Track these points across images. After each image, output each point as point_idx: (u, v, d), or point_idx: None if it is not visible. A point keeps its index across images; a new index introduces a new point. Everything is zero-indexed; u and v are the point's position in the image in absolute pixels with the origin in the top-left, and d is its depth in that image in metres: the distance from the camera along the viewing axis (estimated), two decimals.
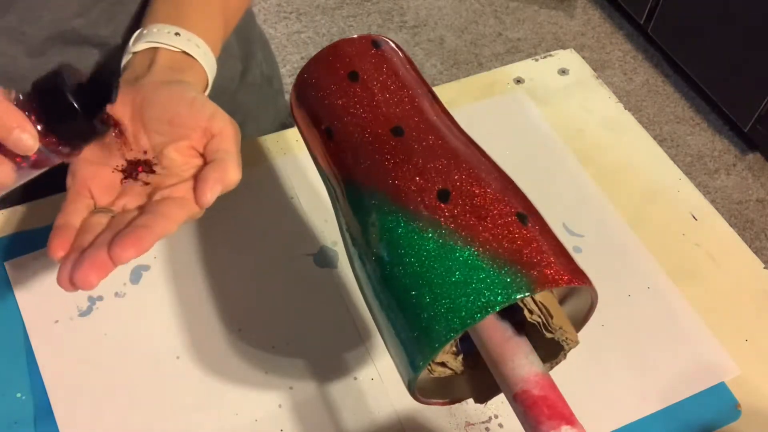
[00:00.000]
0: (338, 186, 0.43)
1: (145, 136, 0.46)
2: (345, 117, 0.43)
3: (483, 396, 0.41)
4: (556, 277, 0.35)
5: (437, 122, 0.42)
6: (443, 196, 0.37)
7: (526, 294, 0.34)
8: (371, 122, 0.42)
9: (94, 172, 0.45)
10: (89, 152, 0.45)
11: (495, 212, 0.37)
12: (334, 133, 0.43)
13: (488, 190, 0.38)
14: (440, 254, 0.36)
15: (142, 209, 0.43)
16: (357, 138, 0.42)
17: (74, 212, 0.43)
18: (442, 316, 0.34)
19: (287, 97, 0.89)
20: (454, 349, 0.40)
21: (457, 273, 0.35)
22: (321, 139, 0.45)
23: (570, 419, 0.34)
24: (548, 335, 0.37)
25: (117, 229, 0.41)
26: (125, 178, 0.46)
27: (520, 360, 0.36)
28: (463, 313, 0.34)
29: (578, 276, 0.36)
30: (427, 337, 0.35)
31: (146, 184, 0.45)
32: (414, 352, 0.36)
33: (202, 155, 0.46)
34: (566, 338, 0.37)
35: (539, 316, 0.36)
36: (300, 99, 0.46)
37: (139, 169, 0.46)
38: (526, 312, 0.36)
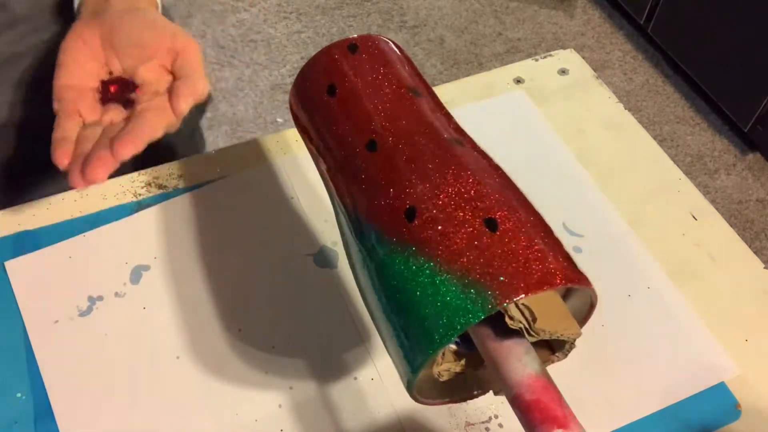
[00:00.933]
0: (333, 199, 0.43)
1: (117, 61, 0.53)
2: (327, 135, 0.43)
3: (498, 387, 0.41)
4: (522, 287, 0.34)
5: (417, 129, 0.41)
6: (410, 214, 0.37)
7: (489, 314, 0.34)
8: (348, 138, 0.42)
9: (78, 95, 0.51)
10: (71, 78, 0.51)
11: (460, 224, 0.36)
12: (321, 150, 0.43)
13: (454, 200, 0.37)
14: (409, 276, 0.36)
15: (127, 120, 0.50)
16: (338, 155, 0.42)
17: (69, 129, 0.49)
18: (418, 337, 0.35)
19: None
20: (454, 348, 0.40)
21: (424, 295, 0.35)
22: (315, 154, 0.45)
23: (563, 422, 0.34)
24: (531, 339, 0.36)
25: (111, 136, 0.48)
26: (108, 99, 0.52)
27: (513, 363, 0.36)
28: (431, 338, 0.34)
29: (558, 276, 0.35)
30: (410, 353, 0.35)
31: (126, 101, 0.52)
32: (406, 362, 0.36)
33: (171, 72, 0.52)
34: (560, 335, 0.37)
35: (520, 322, 0.36)
36: (294, 111, 0.47)
37: (113, 88, 0.52)
38: (507, 319, 0.36)
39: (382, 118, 0.42)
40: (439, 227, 0.36)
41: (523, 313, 0.36)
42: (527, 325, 0.36)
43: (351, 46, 0.45)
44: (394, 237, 0.37)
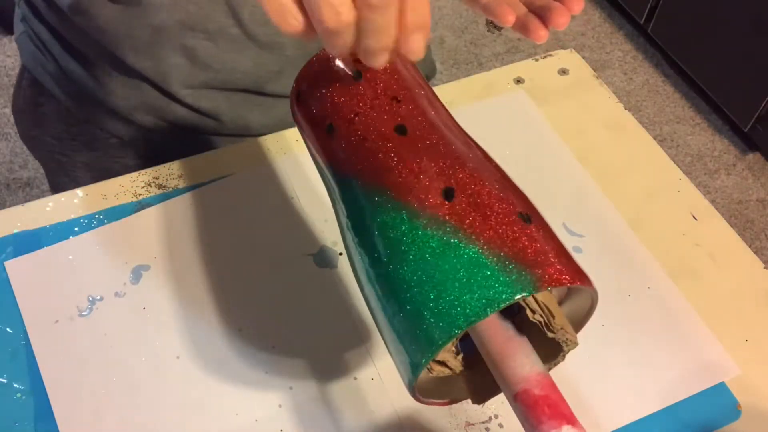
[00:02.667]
0: (340, 184, 0.43)
1: None
2: (348, 114, 0.43)
3: (481, 397, 0.41)
4: (559, 276, 0.35)
5: (439, 122, 0.42)
6: (448, 194, 0.37)
7: (531, 292, 0.34)
8: (375, 120, 0.42)
9: None
10: None
11: (499, 211, 0.37)
12: (335, 130, 0.43)
13: (492, 190, 0.38)
14: (444, 251, 0.36)
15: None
16: (360, 135, 0.42)
17: None
18: (446, 313, 0.34)
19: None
20: (454, 348, 0.40)
21: (462, 270, 0.35)
22: (322, 136, 0.44)
23: (571, 419, 0.34)
24: (550, 335, 0.37)
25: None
26: None
27: (522, 359, 0.36)
28: (468, 311, 0.34)
29: (580, 276, 0.36)
30: (429, 335, 0.35)
31: None
32: (415, 350, 0.36)
33: None
34: (566, 339, 0.37)
35: (541, 316, 0.36)
36: (301, 96, 0.46)
37: None
38: (528, 311, 0.36)
39: (410, 106, 0.42)
40: (479, 210, 0.37)
41: (542, 309, 0.36)
42: (547, 320, 0.36)
43: None
44: (428, 214, 0.37)
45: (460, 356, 0.40)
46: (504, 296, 0.34)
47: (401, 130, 0.41)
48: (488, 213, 0.37)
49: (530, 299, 0.36)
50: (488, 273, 0.34)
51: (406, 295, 0.36)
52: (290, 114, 0.49)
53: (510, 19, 0.47)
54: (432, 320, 0.35)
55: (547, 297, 0.37)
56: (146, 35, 0.63)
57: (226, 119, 0.72)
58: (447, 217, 0.37)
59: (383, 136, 0.41)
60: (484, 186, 0.38)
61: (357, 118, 0.42)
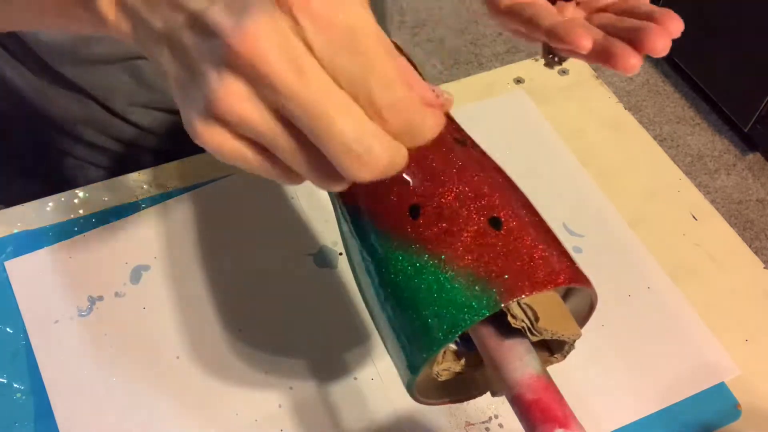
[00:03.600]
0: (334, 197, 0.43)
1: None
2: None
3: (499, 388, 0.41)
4: (531, 283, 0.34)
5: None
6: (414, 212, 0.37)
7: (494, 310, 0.34)
8: None
9: None
10: None
11: (465, 222, 0.36)
12: None
13: (458, 197, 0.37)
14: (412, 274, 0.36)
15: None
16: None
17: (555, 15, 0.43)
18: (418, 337, 0.35)
19: None
20: (454, 348, 0.40)
21: (428, 293, 0.35)
22: None
23: (564, 421, 0.34)
24: (534, 339, 0.36)
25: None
26: None
27: (513, 363, 0.36)
28: (435, 335, 0.34)
29: (561, 277, 0.35)
30: (409, 358, 0.35)
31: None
32: (406, 361, 0.36)
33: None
34: (561, 335, 0.37)
35: (523, 321, 0.36)
36: None
37: None
38: (509, 318, 0.36)
39: None
40: (444, 224, 0.36)
41: (525, 312, 0.36)
42: (529, 325, 0.36)
43: None
44: (397, 235, 0.37)
45: (463, 360, 0.40)
46: (468, 316, 0.33)
47: None
48: (451, 228, 0.36)
49: (511, 305, 0.36)
50: (451, 295, 0.34)
51: (387, 316, 0.37)
52: None
53: (586, 44, 0.39)
54: (407, 344, 0.35)
55: (533, 298, 0.37)
56: (90, 55, 0.62)
57: (170, 138, 0.71)
58: (413, 238, 0.36)
59: None
60: (452, 194, 0.37)
61: None
